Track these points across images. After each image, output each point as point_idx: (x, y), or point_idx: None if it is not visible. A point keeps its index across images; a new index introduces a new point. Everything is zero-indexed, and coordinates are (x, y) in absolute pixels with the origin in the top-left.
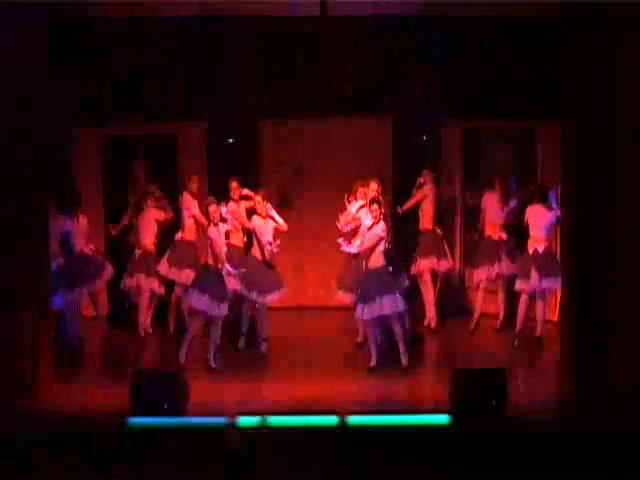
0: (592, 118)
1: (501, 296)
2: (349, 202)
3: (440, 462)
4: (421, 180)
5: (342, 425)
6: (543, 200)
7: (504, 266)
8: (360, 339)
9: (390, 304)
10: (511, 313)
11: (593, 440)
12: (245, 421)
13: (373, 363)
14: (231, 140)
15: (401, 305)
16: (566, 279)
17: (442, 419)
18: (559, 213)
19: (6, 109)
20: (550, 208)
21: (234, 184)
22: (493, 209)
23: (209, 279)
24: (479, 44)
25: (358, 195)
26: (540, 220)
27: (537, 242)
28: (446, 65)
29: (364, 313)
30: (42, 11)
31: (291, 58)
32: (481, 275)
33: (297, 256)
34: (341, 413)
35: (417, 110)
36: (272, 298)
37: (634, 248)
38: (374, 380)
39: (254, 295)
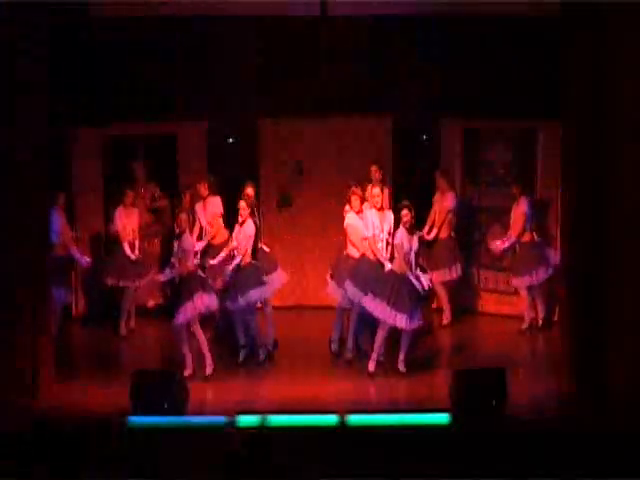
0: (592, 118)
1: (445, 293)
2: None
3: (440, 462)
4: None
5: (342, 425)
6: (525, 193)
7: (460, 267)
8: (350, 355)
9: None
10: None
11: (593, 440)
12: (245, 421)
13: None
14: (231, 140)
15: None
16: (566, 279)
17: (442, 419)
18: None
19: (6, 109)
20: (529, 199)
21: (249, 190)
22: (442, 209)
23: (190, 286)
24: (479, 44)
25: (353, 201)
26: (528, 212)
27: (529, 234)
28: (446, 65)
29: (412, 323)
30: (42, 11)
31: (291, 58)
32: (443, 277)
33: (297, 255)
34: (341, 413)
35: (417, 110)
36: (254, 297)
37: (634, 248)
38: (374, 380)
39: (241, 301)
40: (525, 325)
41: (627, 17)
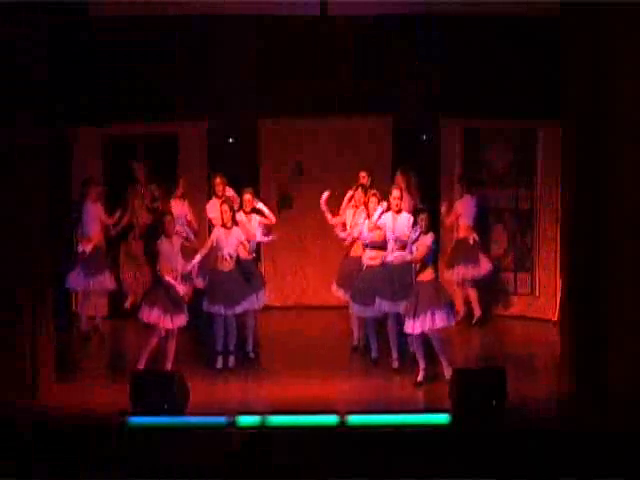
0: (592, 118)
1: None
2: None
3: (440, 462)
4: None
5: (342, 425)
6: (470, 190)
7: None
8: (356, 342)
9: (442, 318)
10: None
11: (593, 440)
12: (245, 421)
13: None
14: (231, 140)
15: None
16: (566, 278)
17: (442, 419)
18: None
19: (6, 109)
20: (475, 197)
21: (247, 196)
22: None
23: (159, 291)
24: (479, 44)
25: (370, 203)
26: (469, 210)
27: (467, 231)
28: (446, 65)
29: (415, 327)
30: (42, 11)
31: (291, 58)
32: None
33: (297, 256)
34: (341, 413)
35: (417, 110)
36: (240, 309)
37: (634, 248)
38: (374, 380)
39: (222, 309)
40: (459, 317)
41: (627, 17)
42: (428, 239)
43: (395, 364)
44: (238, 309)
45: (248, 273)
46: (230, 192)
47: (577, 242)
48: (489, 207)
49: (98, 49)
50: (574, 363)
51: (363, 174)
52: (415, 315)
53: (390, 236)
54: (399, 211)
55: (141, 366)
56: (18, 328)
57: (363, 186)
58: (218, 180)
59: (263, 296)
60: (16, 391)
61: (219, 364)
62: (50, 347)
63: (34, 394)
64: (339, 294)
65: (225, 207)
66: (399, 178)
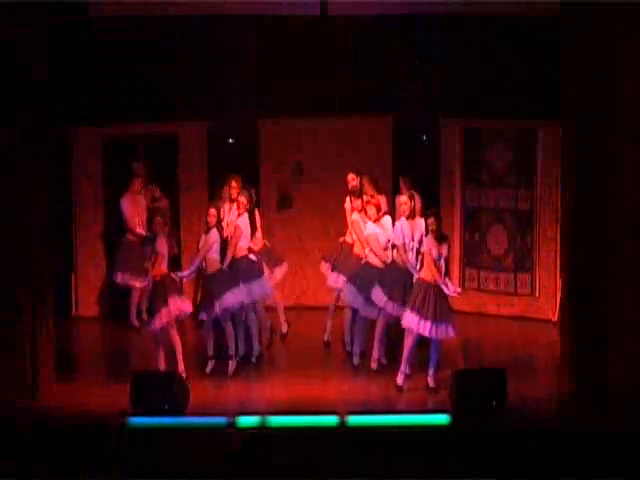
0: (592, 118)
1: None
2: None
3: (440, 462)
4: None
5: (342, 425)
6: (414, 187)
7: None
8: (348, 348)
9: (455, 328)
10: None
11: (593, 439)
12: (245, 421)
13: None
14: (231, 140)
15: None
16: (566, 279)
17: (442, 419)
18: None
19: (6, 109)
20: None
21: (242, 198)
22: None
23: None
24: (479, 44)
25: (368, 210)
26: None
27: None
28: (446, 65)
29: (437, 332)
30: (42, 11)
31: (291, 58)
32: None
33: (297, 256)
34: (341, 413)
35: (417, 110)
36: (206, 315)
37: (634, 248)
38: (373, 380)
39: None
40: None
41: (627, 17)
42: (444, 250)
43: (408, 370)
44: (204, 315)
45: (234, 274)
46: (244, 197)
47: (577, 242)
48: (489, 207)
49: (98, 49)
50: (574, 363)
51: (351, 176)
52: (437, 320)
53: (409, 243)
54: (412, 216)
55: (162, 366)
56: (18, 328)
57: (354, 193)
58: (234, 184)
59: (249, 294)
60: (16, 391)
61: (209, 369)
62: (50, 347)
63: (34, 394)
64: (327, 272)
65: (212, 211)
66: (367, 185)
